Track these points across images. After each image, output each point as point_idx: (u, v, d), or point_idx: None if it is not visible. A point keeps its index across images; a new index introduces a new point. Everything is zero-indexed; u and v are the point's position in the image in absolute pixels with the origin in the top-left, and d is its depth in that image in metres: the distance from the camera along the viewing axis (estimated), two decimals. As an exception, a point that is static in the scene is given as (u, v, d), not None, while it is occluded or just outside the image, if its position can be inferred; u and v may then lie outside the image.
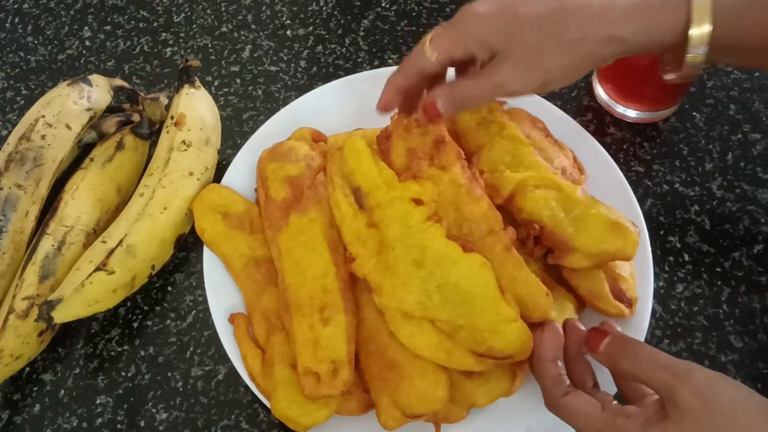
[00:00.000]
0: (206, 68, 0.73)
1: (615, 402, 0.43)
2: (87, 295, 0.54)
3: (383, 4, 0.77)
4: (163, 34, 0.76)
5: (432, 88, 0.52)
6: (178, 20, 0.77)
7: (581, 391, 0.44)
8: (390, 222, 0.50)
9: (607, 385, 0.46)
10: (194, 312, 0.60)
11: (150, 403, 0.56)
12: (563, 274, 0.54)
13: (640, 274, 0.55)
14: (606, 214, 0.51)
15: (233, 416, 0.56)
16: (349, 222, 0.52)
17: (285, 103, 0.68)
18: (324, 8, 0.77)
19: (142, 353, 0.58)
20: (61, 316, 0.53)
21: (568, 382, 0.45)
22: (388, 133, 0.56)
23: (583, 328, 0.47)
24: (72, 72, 0.74)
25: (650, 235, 0.58)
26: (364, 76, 0.66)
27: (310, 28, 0.76)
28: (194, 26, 0.76)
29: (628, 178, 0.60)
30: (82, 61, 0.75)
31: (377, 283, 0.50)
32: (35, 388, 0.57)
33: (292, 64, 0.73)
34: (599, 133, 0.67)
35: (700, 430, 0.38)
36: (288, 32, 0.75)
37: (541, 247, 0.53)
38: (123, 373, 0.58)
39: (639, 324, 0.54)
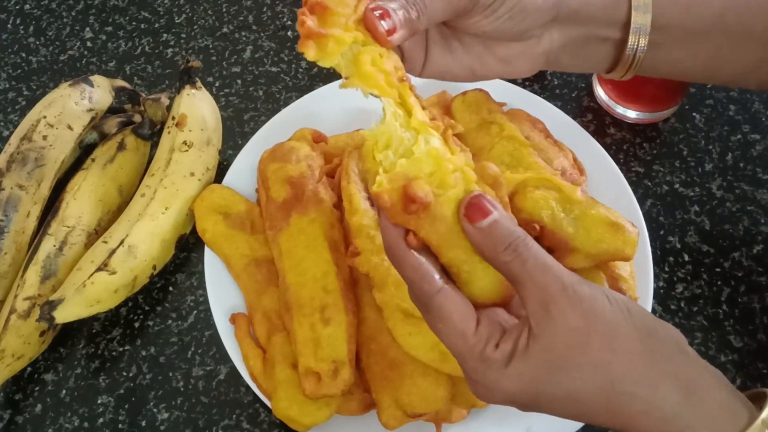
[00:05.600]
0: (207, 69, 0.73)
1: (495, 312, 0.36)
2: (88, 295, 0.54)
3: (384, 5, 0.77)
4: (165, 35, 0.76)
5: None
6: (179, 21, 0.77)
7: (457, 291, 0.36)
8: None
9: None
10: (195, 312, 0.60)
11: (151, 403, 0.57)
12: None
13: (640, 274, 0.56)
14: (606, 214, 0.51)
15: (234, 416, 0.56)
16: (360, 216, 0.52)
17: (286, 104, 0.68)
18: (325, 9, 0.77)
19: (144, 353, 0.59)
20: (62, 316, 0.54)
21: (438, 275, 0.36)
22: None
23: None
24: (73, 73, 0.74)
25: (650, 235, 0.58)
26: (365, 76, 0.66)
27: (311, 29, 0.76)
28: (195, 27, 0.76)
29: (628, 179, 0.60)
30: (83, 61, 0.75)
31: (381, 279, 0.50)
32: (37, 388, 0.58)
33: (293, 65, 0.73)
34: (599, 134, 0.67)
35: (570, 352, 0.33)
36: (289, 33, 0.75)
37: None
38: (124, 373, 0.58)
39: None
